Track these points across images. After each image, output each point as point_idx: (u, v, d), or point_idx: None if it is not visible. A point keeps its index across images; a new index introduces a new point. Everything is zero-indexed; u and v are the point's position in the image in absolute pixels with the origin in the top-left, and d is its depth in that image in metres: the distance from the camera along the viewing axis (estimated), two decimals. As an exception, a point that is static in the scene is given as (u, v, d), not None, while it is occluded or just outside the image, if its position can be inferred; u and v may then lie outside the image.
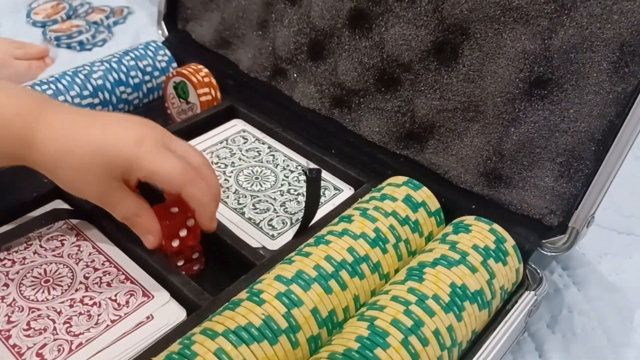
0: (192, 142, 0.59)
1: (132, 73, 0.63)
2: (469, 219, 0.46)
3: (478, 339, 0.41)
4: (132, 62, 0.64)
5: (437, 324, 0.38)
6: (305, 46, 0.60)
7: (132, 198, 0.42)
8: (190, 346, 0.35)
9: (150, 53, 0.65)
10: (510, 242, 0.45)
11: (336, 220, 0.46)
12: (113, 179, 0.41)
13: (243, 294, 0.40)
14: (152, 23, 0.87)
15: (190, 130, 0.60)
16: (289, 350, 0.37)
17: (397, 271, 0.44)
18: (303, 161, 0.58)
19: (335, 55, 0.58)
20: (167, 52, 0.67)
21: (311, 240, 0.44)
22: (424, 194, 0.48)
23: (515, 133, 0.49)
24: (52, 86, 0.58)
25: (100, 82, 0.61)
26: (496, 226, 0.45)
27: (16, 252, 0.46)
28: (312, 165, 0.56)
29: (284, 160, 0.58)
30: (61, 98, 0.58)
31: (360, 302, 0.42)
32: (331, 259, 0.41)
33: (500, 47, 0.48)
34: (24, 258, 0.46)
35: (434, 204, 0.48)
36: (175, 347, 0.36)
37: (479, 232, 0.44)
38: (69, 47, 0.83)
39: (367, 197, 0.48)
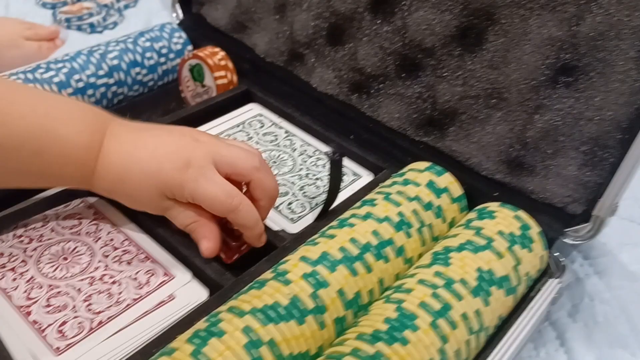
0: (208, 125, 0.58)
1: (148, 54, 0.62)
2: (493, 206, 0.46)
3: (503, 325, 0.41)
4: (148, 44, 0.63)
5: (464, 308, 0.38)
6: (325, 30, 0.59)
7: (187, 210, 0.42)
8: (217, 324, 0.35)
9: (165, 35, 0.64)
10: (535, 229, 0.44)
11: (359, 203, 0.46)
12: (166, 199, 0.42)
13: (268, 274, 0.39)
14: (164, 7, 0.86)
15: (205, 113, 0.59)
16: (315, 331, 0.37)
17: (420, 256, 0.44)
18: (320, 146, 0.57)
19: (355, 40, 0.57)
20: (183, 34, 0.66)
21: (334, 222, 0.44)
22: (447, 179, 0.48)
23: (539, 121, 0.49)
24: (67, 64, 0.57)
25: (115, 62, 0.60)
26: (521, 212, 0.45)
27: (33, 229, 0.46)
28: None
29: (301, 145, 0.57)
30: (76, 77, 0.57)
31: (384, 285, 0.41)
32: (356, 242, 0.41)
33: (526, 33, 0.48)
34: (41, 235, 0.45)
35: (457, 189, 0.48)
36: (201, 324, 0.36)
37: (504, 218, 0.44)
38: (79, 29, 0.82)
39: (389, 181, 0.48)
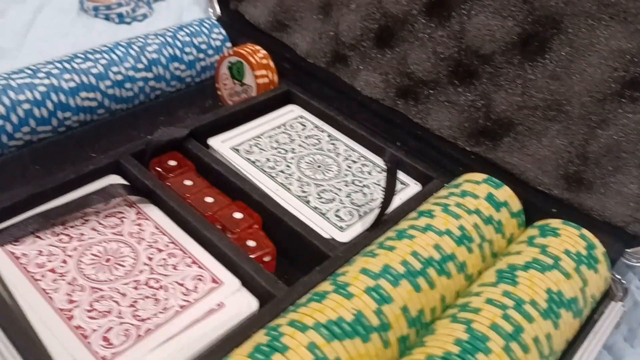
0: (249, 125, 0.56)
1: (187, 49, 0.60)
2: (555, 223, 0.44)
3: (568, 349, 0.39)
4: (187, 38, 0.61)
5: (536, 331, 0.36)
6: (373, 32, 0.57)
7: None
8: (279, 338, 0.33)
9: (205, 30, 0.62)
10: (600, 249, 0.42)
11: (414, 214, 0.44)
12: None
13: (327, 286, 0.37)
14: (195, 2, 0.84)
15: (245, 113, 0.57)
16: (380, 349, 0.35)
17: (479, 273, 0.42)
18: (364, 152, 0.55)
19: (405, 44, 0.55)
20: (222, 30, 0.64)
21: (391, 233, 0.42)
22: (505, 193, 0.46)
23: (602, 136, 0.47)
24: (106, 56, 0.55)
25: (154, 55, 0.58)
26: (585, 231, 0.43)
27: (72, 227, 0.43)
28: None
29: (345, 150, 0.55)
30: (114, 69, 0.55)
31: (446, 303, 0.39)
32: (418, 255, 0.39)
33: (593, 44, 0.46)
34: (82, 234, 0.43)
35: (516, 204, 0.46)
36: (261, 338, 0.33)
37: (569, 237, 0.42)
38: (107, 18, 0.80)
39: (444, 192, 0.46)
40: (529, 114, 0.50)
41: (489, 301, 0.37)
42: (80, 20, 0.80)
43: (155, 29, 0.62)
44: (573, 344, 0.40)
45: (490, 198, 0.44)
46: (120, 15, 0.80)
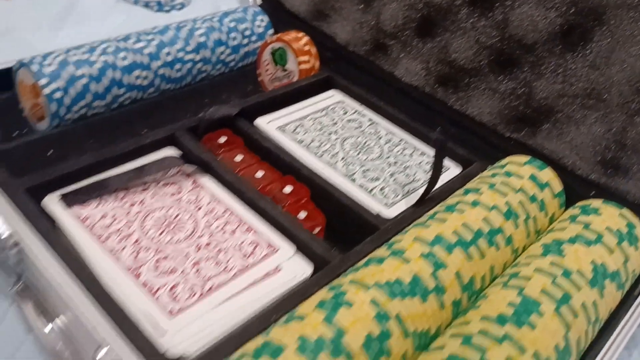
0: (292, 107, 0.58)
1: (232, 35, 0.62)
2: (596, 203, 0.45)
3: (611, 319, 0.41)
4: (232, 24, 0.63)
5: (583, 298, 0.37)
6: (415, 22, 0.59)
7: None
8: (343, 295, 0.34)
9: (249, 17, 0.64)
10: (639, 228, 0.44)
11: (461, 191, 0.45)
12: None
13: (383, 252, 0.39)
14: (232, -7, 0.86)
15: (288, 97, 0.59)
16: (436, 311, 0.36)
17: (524, 248, 0.44)
18: (405, 135, 0.57)
19: (447, 33, 0.57)
20: (266, 17, 0.66)
21: (440, 208, 0.43)
22: (548, 174, 0.47)
23: (640, 123, 0.49)
24: (157, 37, 0.57)
25: (203, 39, 0.60)
26: (626, 211, 0.45)
27: (133, 194, 0.45)
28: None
29: (386, 134, 0.57)
30: (165, 50, 0.57)
31: (494, 273, 0.41)
32: (468, 227, 0.41)
33: (634, 35, 0.48)
34: (142, 200, 0.45)
35: (557, 185, 0.47)
36: (325, 294, 0.35)
37: (610, 216, 0.44)
38: (146, 5, 0.82)
39: (489, 172, 0.48)
40: (568, 101, 0.52)
41: (538, 270, 0.38)
42: (120, 7, 0.82)
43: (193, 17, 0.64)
44: (616, 315, 0.41)
45: (533, 178, 0.46)
46: (159, 4, 0.82)
